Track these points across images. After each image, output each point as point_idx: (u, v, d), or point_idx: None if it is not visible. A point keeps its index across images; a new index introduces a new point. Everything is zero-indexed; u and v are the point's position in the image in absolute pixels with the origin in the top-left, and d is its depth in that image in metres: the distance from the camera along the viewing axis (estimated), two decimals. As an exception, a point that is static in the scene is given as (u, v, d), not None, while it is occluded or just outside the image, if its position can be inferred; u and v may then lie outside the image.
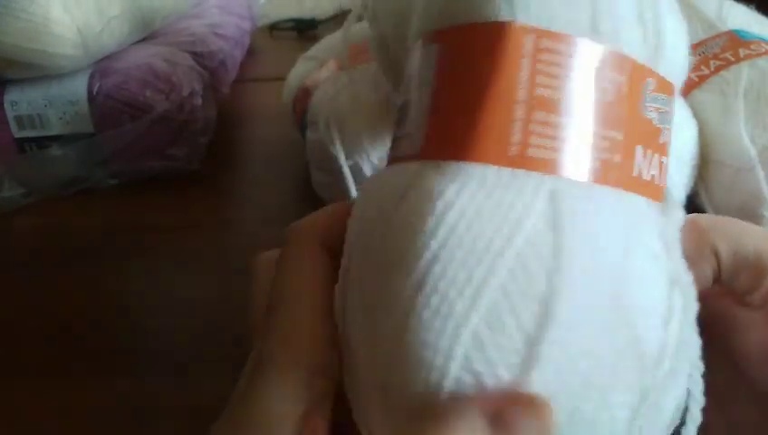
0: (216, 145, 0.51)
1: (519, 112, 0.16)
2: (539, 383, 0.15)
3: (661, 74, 0.18)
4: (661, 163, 0.18)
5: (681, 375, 0.17)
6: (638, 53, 0.17)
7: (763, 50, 0.39)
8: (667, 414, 0.17)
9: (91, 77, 0.46)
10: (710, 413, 0.18)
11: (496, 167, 0.16)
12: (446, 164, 0.16)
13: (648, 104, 0.18)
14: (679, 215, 0.19)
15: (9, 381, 0.33)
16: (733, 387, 0.21)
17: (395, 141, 0.19)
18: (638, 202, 0.17)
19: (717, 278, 0.20)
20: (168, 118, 0.46)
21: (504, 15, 0.17)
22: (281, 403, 0.18)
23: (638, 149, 0.17)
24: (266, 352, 0.18)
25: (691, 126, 0.38)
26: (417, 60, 0.19)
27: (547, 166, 0.16)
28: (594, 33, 0.17)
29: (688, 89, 0.40)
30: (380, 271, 0.17)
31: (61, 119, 0.46)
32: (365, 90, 0.39)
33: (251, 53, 0.70)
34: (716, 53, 0.40)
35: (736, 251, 0.19)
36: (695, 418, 0.18)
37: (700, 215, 0.20)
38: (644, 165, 0.18)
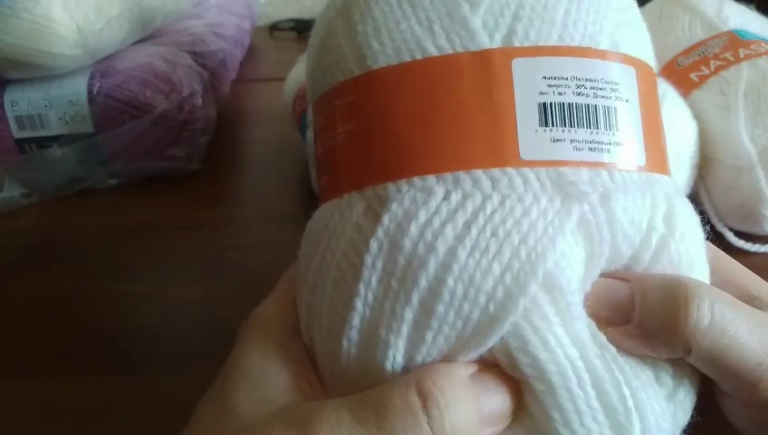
0: (215, 145, 0.51)
1: None
2: None
3: None
4: None
5: None
6: None
7: (763, 50, 0.39)
8: None
9: (91, 77, 0.46)
10: None
11: None
12: None
13: None
14: None
15: (9, 381, 0.33)
16: None
17: None
18: None
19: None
20: (168, 118, 0.46)
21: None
22: (269, 359, 0.21)
23: None
24: (245, 333, 0.23)
25: (691, 126, 0.38)
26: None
27: None
28: None
29: (688, 89, 0.40)
30: None
31: (61, 119, 0.46)
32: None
33: (251, 52, 0.70)
34: (716, 53, 0.40)
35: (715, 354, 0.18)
36: None
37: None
38: None
